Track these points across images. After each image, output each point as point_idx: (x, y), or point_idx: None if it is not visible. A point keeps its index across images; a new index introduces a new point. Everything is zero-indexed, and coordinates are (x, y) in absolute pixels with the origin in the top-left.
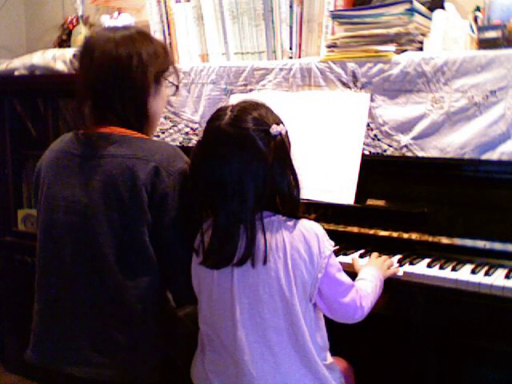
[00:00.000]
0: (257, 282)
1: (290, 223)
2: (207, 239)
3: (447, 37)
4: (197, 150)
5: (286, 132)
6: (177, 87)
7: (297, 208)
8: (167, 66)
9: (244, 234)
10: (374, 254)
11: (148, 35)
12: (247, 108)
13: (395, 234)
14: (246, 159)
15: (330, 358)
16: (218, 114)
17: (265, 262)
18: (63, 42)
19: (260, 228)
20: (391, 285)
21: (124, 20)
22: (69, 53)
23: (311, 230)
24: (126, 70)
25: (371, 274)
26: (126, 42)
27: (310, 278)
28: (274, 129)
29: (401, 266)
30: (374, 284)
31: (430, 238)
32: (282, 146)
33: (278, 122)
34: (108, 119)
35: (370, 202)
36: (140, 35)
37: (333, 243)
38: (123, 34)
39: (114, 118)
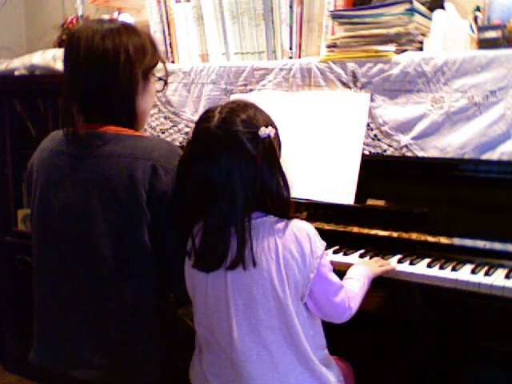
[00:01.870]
0: (250, 283)
1: (282, 224)
2: (198, 242)
3: (447, 37)
4: (187, 152)
5: (276, 133)
6: (165, 82)
7: (287, 208)
8: (155, 61)
9: (235, 236)
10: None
11: (135, 28)
12: (235, 109)
13: (395, 234)
14: (234, 161)
15: (327, 356)
16: (207, 116)
17: (254, 264)
18: (63, 42)
19: (249, 231)
20: (391, 285)
21: (124, 20)
22: None
23: (303, 230)
24: (112, 67)
25: (359, 273)
26: (112, 36)
27: (302, 278)
28: (263, 131)
29: (401, 265)
30: (361, 282)
31: (430, 238)
32: (270, 147)
33: (268, 122)
34: (97, 117)
35: (370, 201)
36: (126, 29)
37: (324, 243)
38: (109, 27)
39: (103, 115)
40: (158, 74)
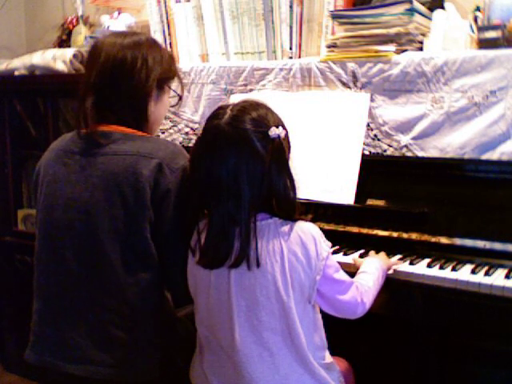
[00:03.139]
0: (254, 284)
1: (287, 226)
2: (203, 239)
3: (447, 37)
4: (195, 148)
5: (286, 134)
6: (180, 98)
7: (293, 210)
8: (172, 74)
9: (239, 235)
10: (373, 252)
11: (157, 43)
12: (247, 108)
13: (395, 234)
14: (243, 160)
15: (328, 358)
16: (218, 113)
17: (258, 264)
18: (63, 42)
19: (254, 231)
20: (391, 285)
21: (124, 20)
22: (69, 53)
23: (308, 232)
24: (129, 70)
25: (373, 266)
26: (133, 47)
27: (308, 281)
28: (273, 131)
29: (401, 265)
30: (375, 276)
31: (430, 238)
32: (279, 148)
33: (278, 123)
34: (108, 119)
35: (370, 201)
36: (148, 42)
37: (330, 244)
38: (132, 40)
39: (114, 117)
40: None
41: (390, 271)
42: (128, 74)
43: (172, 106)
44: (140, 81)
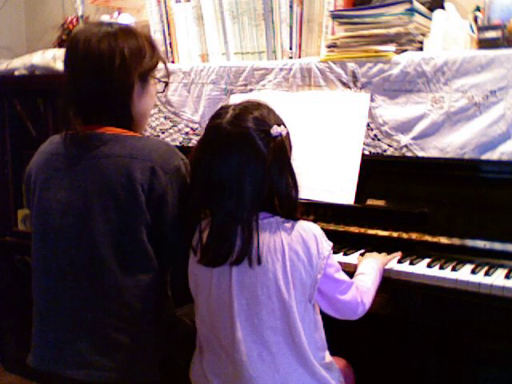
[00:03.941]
0: (255, 283)
1: (288, 224)
2: (205, 238)
3: (447, 37)
4: (197, 148)
5: (287, 133)
6: (166, 84)
7: (295, 209)
8: (154, 63)
9: (241, 233)
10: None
11: (132, 31)
12: (249, 107)
13: (395, 234)
14: (244, 158)
15: (328, 358)
16: (220, 112)
17: (259, 262)
18: (63, 42)
19: (257, 229)
20: (391, 285)
21: (124, 20)
22: None
23: (309, 231)
24: (107, 70)
25: (370, 267)
26: (108, 40)
27: (309, 279)
28: (275, 129)
29: (401, 265)
30: (373, 276)
31: (430, 238)
32: (281, 147)
33: (280, 122)
34: (95, 119)
35: (369, 201)
36: (123, 32)
37: (331, 243)
38: (107, 31)
39: (101, 117)
40: (160, 75)
41: (387, 266)
42: (108, 76)
43: (160, 93)
44: (120, 80)
